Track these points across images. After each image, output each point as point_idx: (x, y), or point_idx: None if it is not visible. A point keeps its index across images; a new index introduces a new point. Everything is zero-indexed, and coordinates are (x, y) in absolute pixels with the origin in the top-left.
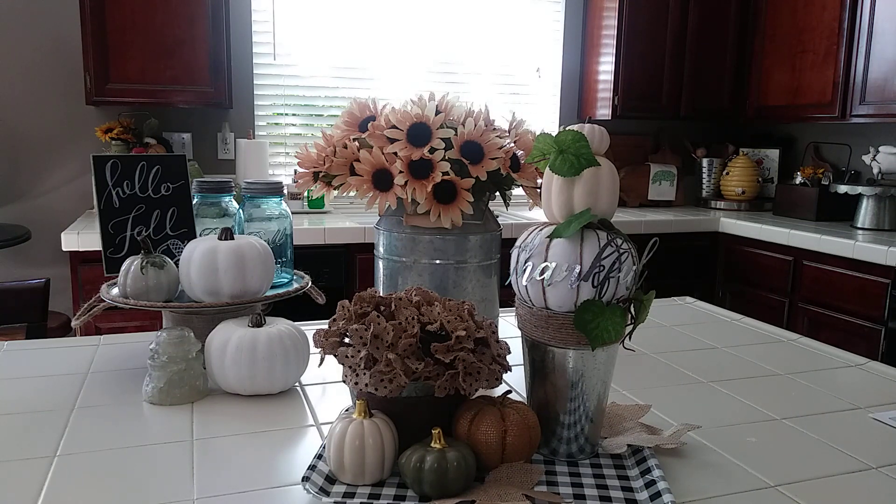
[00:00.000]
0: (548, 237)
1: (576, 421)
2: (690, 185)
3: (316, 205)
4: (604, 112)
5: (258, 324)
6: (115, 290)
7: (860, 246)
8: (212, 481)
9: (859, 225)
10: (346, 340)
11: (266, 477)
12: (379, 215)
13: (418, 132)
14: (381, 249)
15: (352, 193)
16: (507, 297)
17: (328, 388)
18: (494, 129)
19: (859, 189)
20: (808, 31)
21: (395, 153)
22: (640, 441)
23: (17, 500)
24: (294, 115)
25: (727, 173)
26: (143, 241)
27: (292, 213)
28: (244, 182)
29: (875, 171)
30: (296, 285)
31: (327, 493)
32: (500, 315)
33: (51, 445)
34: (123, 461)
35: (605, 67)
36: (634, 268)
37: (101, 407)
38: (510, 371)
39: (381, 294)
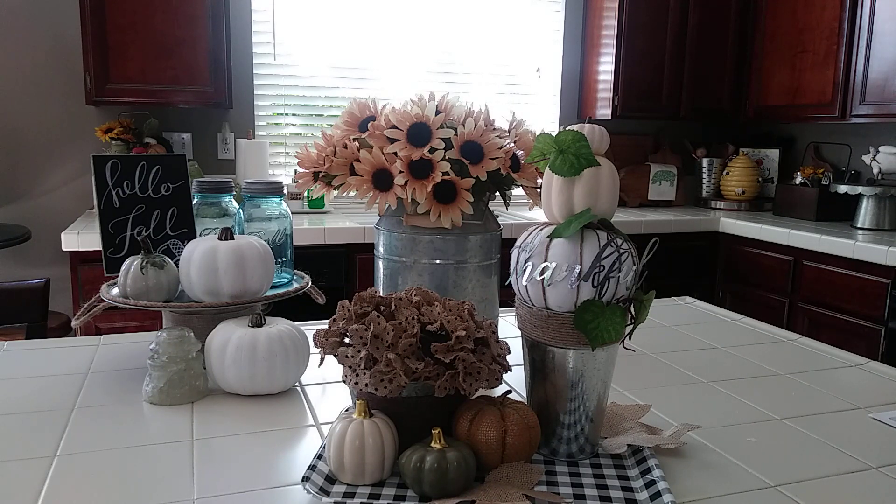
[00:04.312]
0: (548, 237)
1: (576, 421)
2: (690, 185)
3: (316, 205)
4: (604, 112)
5: (258, 324)
6: (115, 290)
7: (860, 246)
8: (212, 481)
9: (859, 225)
10: (346, 340)
11: (266, 477)
12: (379, 215)
13: (418, 132)
14: (381, 249)
15: (352, 193)
16: (507, 297)
17: (328, 388)
18: (494, 129)
19: (859, 189)
20: (808, 31)
21: (395, 153)
22: (640, 441)
23: (17, 500)
24: (294, 115)
25: (727, 173)
26: (143, 241)
27: (292, 213)
28: (244, 182)
29: (875, 171)
30: (296, 285)
31: (327, 493)
32: (500, 315)
33: (51, 445)
34: (123, 461)
35: (605, 67)
36: (634, 268)
37: (101, 407)
38: (510, 371)
39: (381, 294)
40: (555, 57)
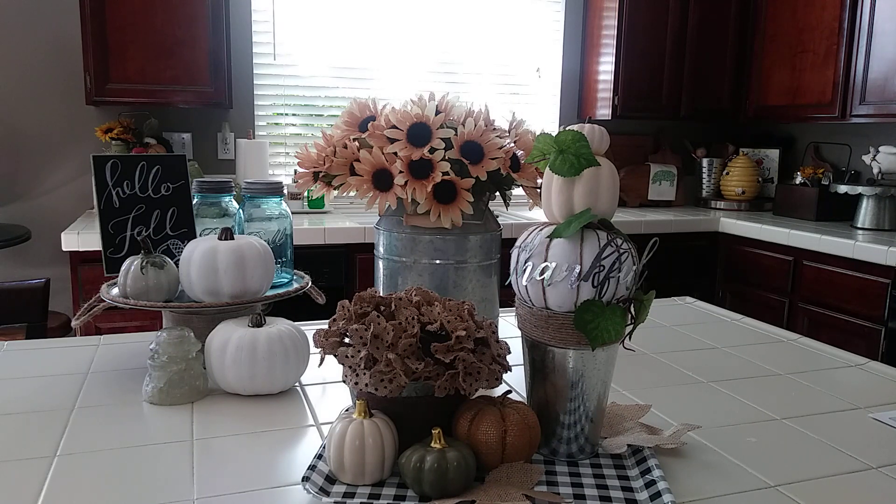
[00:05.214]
0: (548, 237)
1: (576, 421)
2: (690, 185)
3: (316, 205)
4: (604, 112)
5: (258, 324)
6: (115, 290)
7: (860, 246)
8: (212, 481)
9: (859, 225)
10: (346, 340)
11: (266, 477)
12: (379, 215)
13: (418, 132)
14: (381, 249)
15: (352, 193)
16: (507, 297)
17: (328, 388)
18: (494, 129)
19: (859, 189)
20: (808, 31)
21: (395, 153)
22: (640, 441)
23: (17, 500)
24: (294, 115)
25: (727, 173)
26: (143, 241)
27: (292, 213)
28: (244, 182)
29: (875, 171)
30: (296, 285)
31: (327, 493)
32: (500, 315)
33: (51, 445)
34: (123, 461)
35: (605, 67)
36: (634, 268)
37: (101, 407)
38: (510, 371)
39: (381, 294)
40: (555, 57)
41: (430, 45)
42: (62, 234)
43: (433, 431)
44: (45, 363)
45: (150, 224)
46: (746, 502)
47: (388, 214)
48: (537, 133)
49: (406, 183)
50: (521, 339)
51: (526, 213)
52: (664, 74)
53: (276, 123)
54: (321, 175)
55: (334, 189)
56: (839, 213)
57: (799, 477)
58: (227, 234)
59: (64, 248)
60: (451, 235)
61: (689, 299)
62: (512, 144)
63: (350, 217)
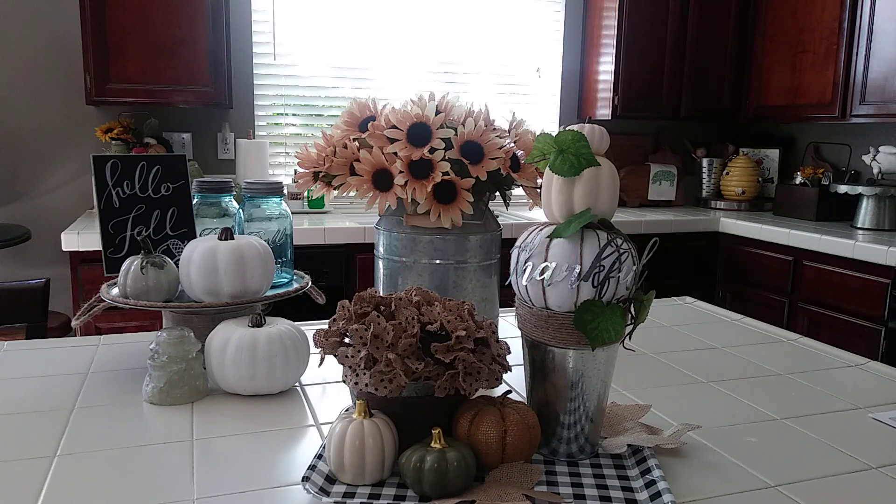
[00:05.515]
0: (548, 237)
1: (576, 421)
2: (690, 185)
3: (316, 205)
4: (604, 112)
5: (258, 324)
6: (115, 290)
7: (860, 246)
8: (212, 481)
9: (859, 225)
10: (346, 340)
11: (266, 477)
12: (379, 215)
13: (418, 132)
14: (381, 249)
15: (352, 193)
16: (507, 297)
17: (328, 388)
18: (494, 129)
19: (859, 189)
20: (808, 31)
21: (395, 153)
22: (640, 441)
23: (17, 500)
24: (294, 115)
25: (727, 173)
26: (143, 241)
27: (292, 213)
28: (244, 182)
29: (875, 171)
30: (296, 285)
31: (327, 493)
32: (500, 315)
33: (51, 445)
34: (123, 461)
35: (605, 67)
36: (634, 268)
37: (101, 407)
38: (510, 371)
39: (381, 294)
40: (555, 57)
41: (430, 45)
42: (62, 234)
43: (433, 431)
44: (45, 363)
45: (150, 224)
46: (746, 502)
47: (388, 214)
48: (537, 133)
49: (406, 183)
50: (521, 339)
51: (526, 213)
52: (664, 74)
53: (276, 123)
54: (321, 175)
55: (334, 189)
56: (839, 213)
57: (799, 477)
58: (227, 234)
59: (64, 248)
60: (451, 235)
61: (689, 299)
62: (512, 144)
63: (350, 217)
